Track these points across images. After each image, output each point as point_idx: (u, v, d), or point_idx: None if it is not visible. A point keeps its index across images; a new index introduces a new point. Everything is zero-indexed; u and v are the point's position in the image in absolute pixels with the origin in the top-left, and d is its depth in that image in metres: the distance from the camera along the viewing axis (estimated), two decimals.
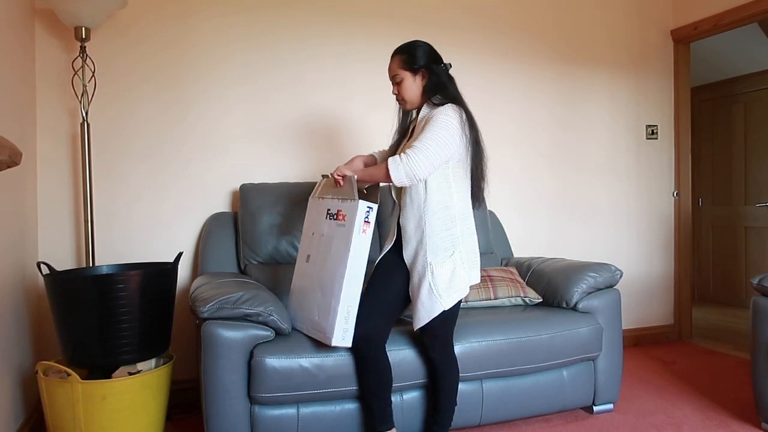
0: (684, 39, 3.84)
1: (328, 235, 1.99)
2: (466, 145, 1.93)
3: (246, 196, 2.68)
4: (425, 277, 1.91)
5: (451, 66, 2.04)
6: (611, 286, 2.56)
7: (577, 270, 2.54)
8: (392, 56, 2.02)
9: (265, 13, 2.92)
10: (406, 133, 2.11)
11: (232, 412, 1.93)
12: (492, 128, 3.41)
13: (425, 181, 1.91)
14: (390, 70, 2.03)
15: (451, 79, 2.03)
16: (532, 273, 2.74)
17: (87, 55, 2.45)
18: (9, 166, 1.41)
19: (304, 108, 2.97)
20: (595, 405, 2.51)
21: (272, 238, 2.61)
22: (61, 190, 2.60)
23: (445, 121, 1.86)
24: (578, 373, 2.42)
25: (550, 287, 2.59)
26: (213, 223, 2.71)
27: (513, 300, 2.56)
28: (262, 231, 2.61)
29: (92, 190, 2.50)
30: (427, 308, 1.91)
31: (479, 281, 2.05)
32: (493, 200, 3.32)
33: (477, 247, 2.03)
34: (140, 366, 2.17)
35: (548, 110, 3.56)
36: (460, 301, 1.99)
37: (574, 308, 2.48)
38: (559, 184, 3.59)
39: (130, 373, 2.10)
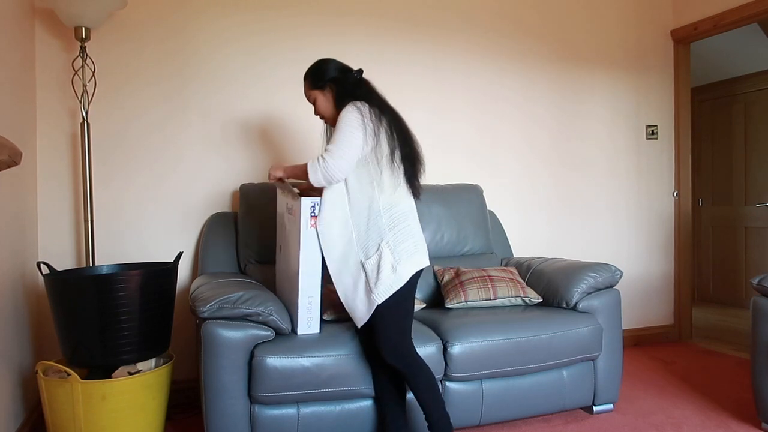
0: (684, 39, 3.84)
1: (288, 230, 2.11)
2: (374, 135, 1.91)
3: (246, 196, 2.68)
4: (359, 275, 1.91)
5: (362, 72, 2.06)
6: (611, 286, 2.56)
7: (577, 270, 2.54)
8: (303, 81, 2.10)
9: (266, 13, 2.92)
10: None
11: (232, 412, 1.93)
12: (492, 129, 3.42)
13: (346, 183, 1.94)
14: (305, 95, 2.11)
15: (360, 83, 2.03)
16: (532, 273, 2.74)
17: (87, 55, 2.46)
18: (9, 166, 1.41)
19: (304, 107, 2.96)
20: (595, 405, 2.51)
21: (272, 238, 2.61)
22: (61, 190, 2.60)
23: (344, 119, 1.90)
24: (578, 373, 2.42)
25: (550, 287, 2.59)
26: (213, 223, 2.71)
27: (513, 300, 2.56)
28: (262, 231, 2.61)
29: (92, 190, 2.50)
30: (366, 304, 1.90)
31: (426, 265, 1.96)
32: (493, 200, 3.32)
33: (412, 236, 1.94)
34: (140, 366, 2.17)
35: (548, 111, 3.56)
36: (407, 300, 1.93)
37: (574, 308, 2.48)
38: (559, 184, 3.60)
39: (130, 373, 2.10)
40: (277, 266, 2.30)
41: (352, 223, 1.93)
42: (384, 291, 1.87)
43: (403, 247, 1.92)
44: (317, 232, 1.96)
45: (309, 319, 2.02)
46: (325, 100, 2.05)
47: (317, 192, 2.06)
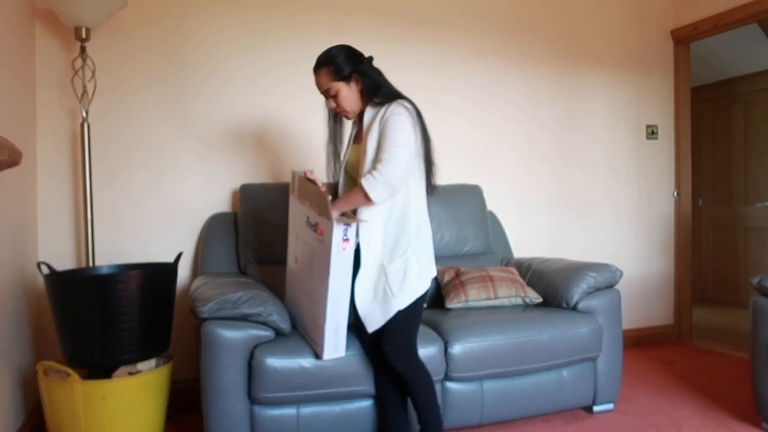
0: (684, 39, 3.84)
1: (310, 246, 1.93)
2: (419, 138, 1.88)
3: (246, 196, 2.68)
4: (379, 279, 1.87)
5: (372, 58, 1.96)
6: (611, 286, 2.56)
7: (577, 270, 2.54)
8: (316, 71, 1.93)
9: (266, 12, 2.91)
10: (349, 142, 2.07)
11: (232, 412, 1.93)
12: (492, 128, 3.42)
13: None
14: (320, 85, 1.93)
15: (380, 73, 1.95)
16: (532, 273, 2.74)
17: (87, 55, 2.45)
18: (9, 166, 1.41)
19: (304, 106, 2.96)
20: (595, 405, 2.51)
21: (272, 238, 2.61)
22: (61, 190, 2.60)
23: (398, 121, 1.81)
24: (578, 373, 2.42)
25: (550, 287, 2.59)
26: (213, 223, 2.71)
27: (513, 300, 2.56)
28: (262, 231, 2.61)
29: (92, 190, 2.50)
30: (384, 309, 1.85)
31: (435, 274, 1.98)
32: (493, 200, 3.32)
33: (431, 241, 1.97)
34: (140, 366, 2.17)
35: (548, 110, 3.56)
36: (421, 306, 1.93)
37: (574, 308, 2.48)
38: (559, 184, 3.59)
39: (130, 373, 2.10)
40: (289, 277, 2.17)
41: (383, 225, 1.87)
42: (407, 297, 1.85)
43: (426, 255, 1.92)
44: (360, 243, 1.85)
45: (336, 343, 1.90)
46: (351, 93, 1.91)
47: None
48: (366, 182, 1.78)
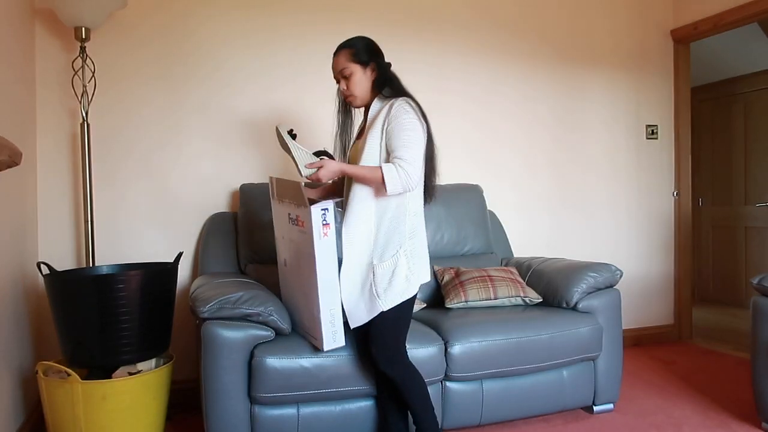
0: (684, 39, 3.84)
1: (295, 241, 1.94)
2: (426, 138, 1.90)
3: (246, 196, 2.68)
4: (368, 276, 1.86)
5: (390, 64, 1.99)
6: (611, 286, 2.56)
7: (577, 270, 2.54)
8: (337, 52, 1.96)
9: (265, 11, 2.91)
10: (359, 132, 2.07)
11: (232, 412, 1.93)
12: (493, 127, 3.42)
13: None
14: (337, 64, 1.94)
15: (395, 75, 1.98)
16: (532, 273, 2.74)
17: (87, 55, 2.45)
18: (9, 166, 1.41)
19: (305, 105, 2.97)
20: (595, 405, 2.51)
21: (272, 238, 2.60)
22: (61, 190, 2.60)
23: (409, 120, 1.82)
24: (578, 373, 2.42)
25: (550, 287, 2.59)
26: (213, 223, 2.71)
27: (513, 300, 2.56)
28: (262, 231, 2.61)
29: (92, 190, 2.50)
30: (368, 308, 1.85)
31: (428, 280, 1.96)
32: (493, 200, 3.32)
33: (424, 248, 1.94)
34: (140, 366, 2.17)
35: (549, 110, 3.56)
36: (409, 309, 1.91)
37: (574, 308, 2.48)
38: (560, 183, 3.60)
39: (130, 373, 2.10)
40: (281, 280, 2.17)
41: (375, 223, 1.87)
42: (392, 299, 1.84)
43: (418, 259, 1.90)
44: (342, 236, 1.84)
45: (333, 333, 1.87)
46: (364, 77, 1.92)
47: (325, 193, 1.99)
48: (389, 170, 1.77)
